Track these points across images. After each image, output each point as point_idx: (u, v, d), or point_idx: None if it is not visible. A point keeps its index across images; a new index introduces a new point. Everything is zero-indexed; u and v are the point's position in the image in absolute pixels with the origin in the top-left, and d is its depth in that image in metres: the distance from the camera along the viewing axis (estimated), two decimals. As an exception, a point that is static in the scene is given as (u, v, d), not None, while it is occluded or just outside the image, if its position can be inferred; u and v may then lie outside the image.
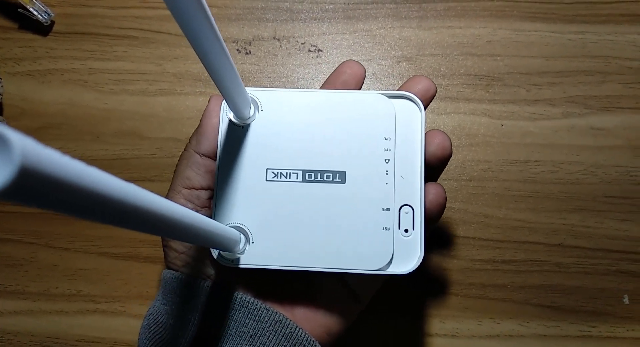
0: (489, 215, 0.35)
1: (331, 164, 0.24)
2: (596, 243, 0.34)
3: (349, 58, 0.37)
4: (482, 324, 0.33)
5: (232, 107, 0.22)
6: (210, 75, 0.18)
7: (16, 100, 0.37)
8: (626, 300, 0.33)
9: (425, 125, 0.24)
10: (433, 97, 0.26)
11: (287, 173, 0.24)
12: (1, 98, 0.37)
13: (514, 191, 0.35)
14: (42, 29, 0.38)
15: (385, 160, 0.24)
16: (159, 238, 0.31)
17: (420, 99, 0.25)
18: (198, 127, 0.26)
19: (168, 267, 0.26)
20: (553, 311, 0.33)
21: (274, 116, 0.25)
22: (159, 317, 0.25)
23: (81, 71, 0.38)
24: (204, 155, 0.25)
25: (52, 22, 0.38)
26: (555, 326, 0.33)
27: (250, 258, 0.24)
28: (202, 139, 0.25)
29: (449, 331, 0.33)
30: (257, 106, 0.25)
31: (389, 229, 0.23)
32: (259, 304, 0.24)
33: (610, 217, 0.34)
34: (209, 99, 0.26)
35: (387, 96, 0.25)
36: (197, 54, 0.16)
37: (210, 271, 0.25)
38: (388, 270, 0.23)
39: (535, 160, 0.35)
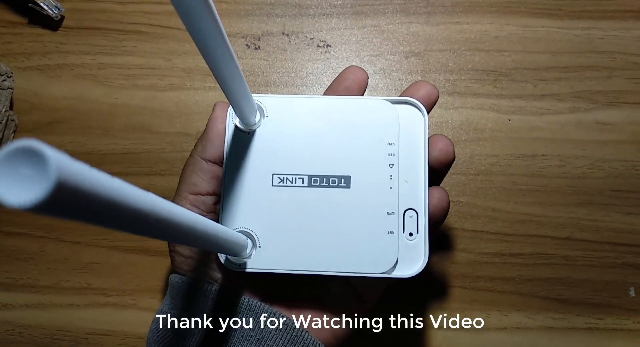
0: (497, 209, 0.35)
1: (336, 169, 0.24)
2: (603, 236, 0.34)
3: (357, 53, 0.38)
4: (490, 317, 0.34)
5: (239, 113, 0.23)
6: (217, 82, 0.18)
7: (26, 95, 0.38)
8: (632, 293, 0.34)
9: (428, 130, 0.25)
10: (435, 102, 0.26)
11: (292, 178, 0.24)
12: (12, 93, 0.37)
13: (521, 185, 0.35)
14: (52, 24, 0.38)
15: (390, 165, 0.24)
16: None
17: (423, 105, 0.25)
18: (203, 133, 0.26)
19: (175, 272, 0.26)
20: (560, 304, 0.34)
21: (279, 122, 0.25)
22: (167, 321, 0.25)
23: (91, 66, 0.38)
24: (210, 161, 0.25)
25: (62, 17, 0.38)
26: (562, 318, 0.34)
27: (257, 262, 0.24)
28: (207, 145, 0.25)
29: (458, 324, 0.34)
30: (262, 112, 0.25)
31: (393, 233, 0.24)
32: (266, 307, 0.24)
33: (616, 210, 0.35)
34: (214, 106, 0.26)
35: (391, 102, 0.25)
36: (206, 61, 0.16)
37: (217, 275, 0.25)
38: (393, 273, 0.24)
39: (542, 155, 0.35)
